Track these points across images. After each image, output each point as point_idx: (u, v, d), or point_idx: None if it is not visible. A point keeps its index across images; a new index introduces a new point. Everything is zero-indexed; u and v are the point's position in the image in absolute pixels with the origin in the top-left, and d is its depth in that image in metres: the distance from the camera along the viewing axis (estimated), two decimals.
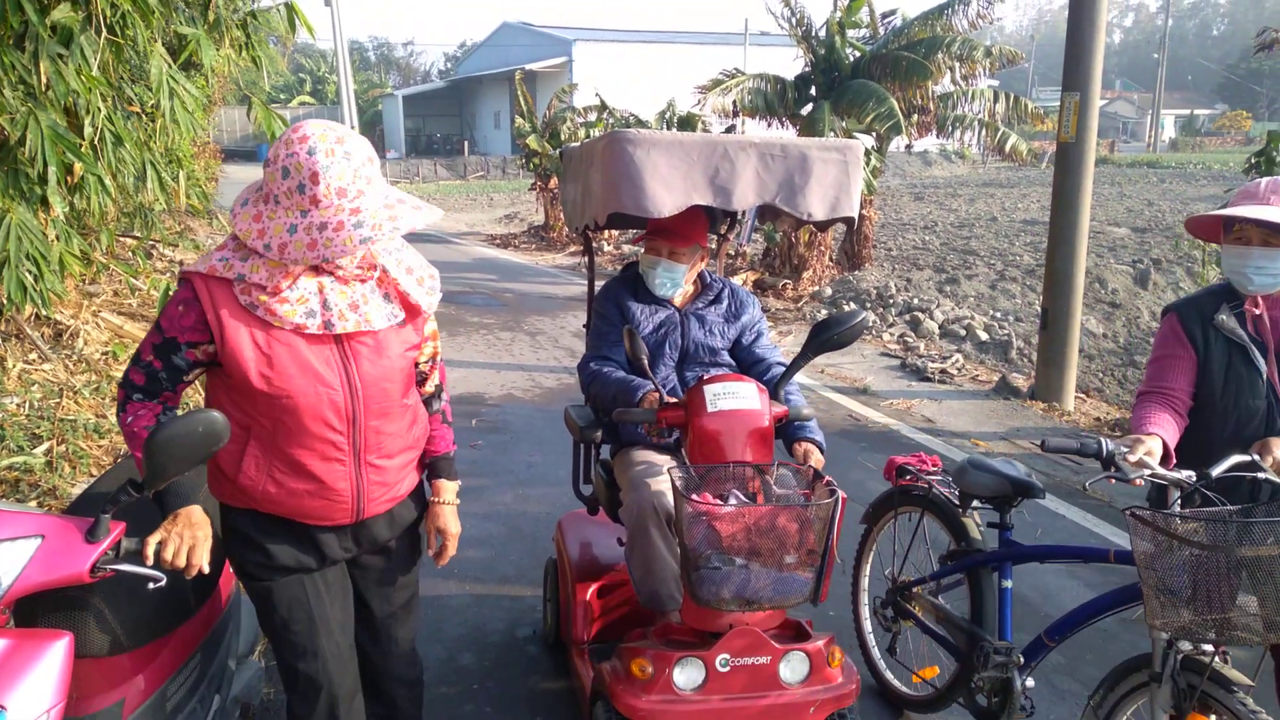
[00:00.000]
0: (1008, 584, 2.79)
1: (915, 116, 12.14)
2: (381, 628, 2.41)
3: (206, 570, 1.97)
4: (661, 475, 2.82)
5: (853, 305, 11.09)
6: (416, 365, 2.27)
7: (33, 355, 5.77)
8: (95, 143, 4.66)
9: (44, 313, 5.93)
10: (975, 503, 2.93)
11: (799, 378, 3.05)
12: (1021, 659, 2.74)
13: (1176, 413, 2.62)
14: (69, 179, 4.67)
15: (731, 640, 2.47)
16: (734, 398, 2.65)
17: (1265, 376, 2.57)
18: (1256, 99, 65.61)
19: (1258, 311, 2.59)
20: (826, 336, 2.75)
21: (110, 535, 1.86)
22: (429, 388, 2.37)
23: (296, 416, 1.99)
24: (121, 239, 7.68)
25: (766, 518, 2.37)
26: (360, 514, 2.16)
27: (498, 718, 3.13)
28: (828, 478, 2.46)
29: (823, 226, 3.11)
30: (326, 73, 52.19)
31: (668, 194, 2.72)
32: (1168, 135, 59.78)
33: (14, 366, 5.50)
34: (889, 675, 3.40)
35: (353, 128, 19.87)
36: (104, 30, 4.52)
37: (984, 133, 12.54)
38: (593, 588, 3.19)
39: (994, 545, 2.91)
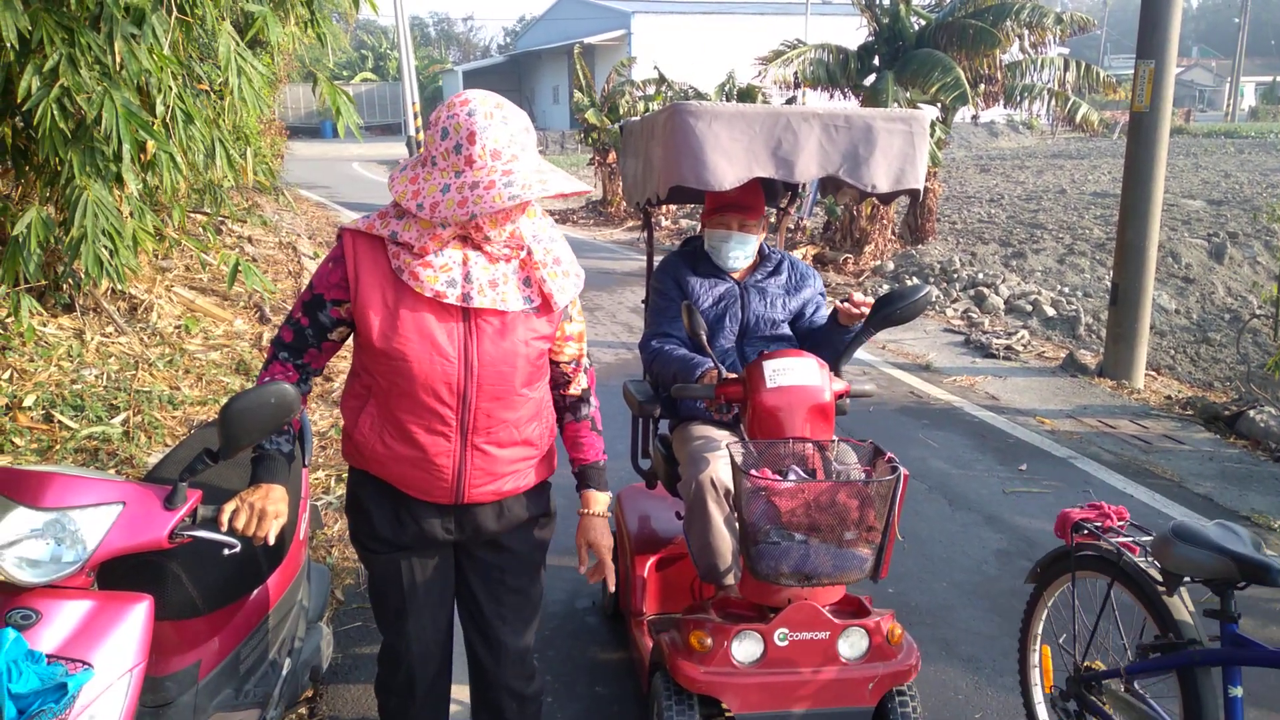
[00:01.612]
0: (1237, 692, 2.19)
1: (982, 86, 11.84)
2: (490, 627, 2.32)
3: (271, 543, 2.02)
4: (720, 450, 2.82)
5: (915, 280, 10.92)
6: (555, 364, 2.25)
7: (109, 329, 5.95)
8: (167, 121, 4.78)
9: (119, 287, 6.12)
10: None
11: (859, 353, 2.98)
12: None
13: None
14: (142, 156, 4.79)
15: (790, 615, 2.47)
16: (794, 373, 2.63)
17: None
18: None
19: None
20: (889, 311, 2.71)
21: (188, 503, 1.93)
22: (574, 390, 2.32)
23: (410, 382, 2.01)
24: (192, 215, 7.87)
25: (826, 493, 2.37)
26: (461, 496, 2.13)
27: (558, 685, 3.18)
28: (890, 454, 2.44)
29: (886, 199, 3.05)
30: (388, 49, 52.66)
31: (729, 166, 2.70)
32: (1247, 103, 57.49)
33: (92, 339, 5.69)
34: None
35: (413, 103, 19.94)
36: (174, 10, 4.62)
37: (1053, 102, 12.20)
38: (651, 560, 3.21)
39: (1203, 629, 2.35)
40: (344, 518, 4.37)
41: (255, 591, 2.53)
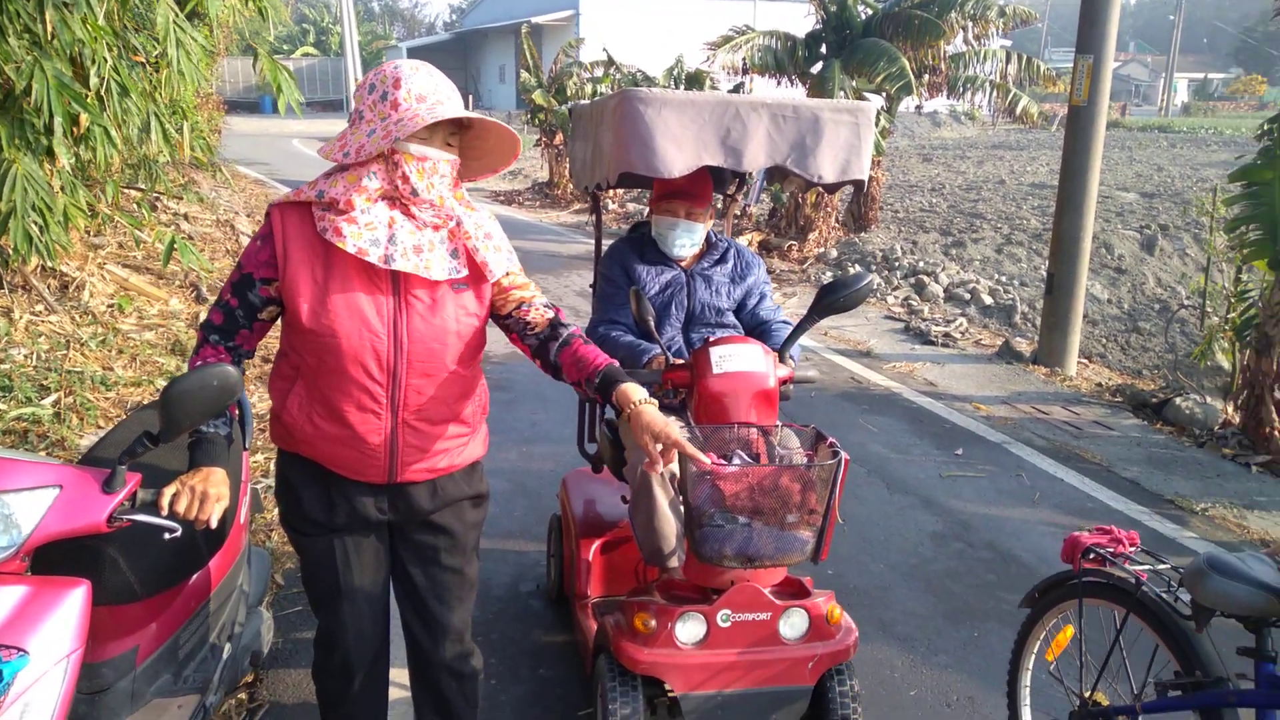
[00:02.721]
0: None
1: (926, 77, 12.01)
2: (427, 607, 2.31)
3: (214, 526, 1.99)
4: None
5: (858, 268, 11.06)
6: (514, 314, 2.20)
7: (39, 307, 5.78)
8: (101, 93, 4.64)
9: (49, 264, 5.94)
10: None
11: (802, 339, 3.00)
12: None
13: None
14: (75, 130, 4.65)
15: (733, 596, 2.51)
16: (739, 359, 2.67)
17: None
18: (1273, 63, 64.70)
19: None
20: (833, 299, 2.76)
21: (127, 486, 1.89)
22: (541, 324, 2.21)
23: (338, 358, 1.99)
24: (126, 191, 7.66)
25: (770, 477, 2.41)
26: (394, 475, 2.12)
27: (502, 668, 3.19)
28: (831, 439, 2.48)
29: (832, 189, 3.10)
30: (330, 23, 51.57)
31: (679, 154, 2.72)
32: (1180, 99, 59.07)
33: (21, 318, 5.52)
34: None
35: (355, 80, 19.65)
36: None
37: (995, 94, 12.42)
38: (596, 544, 3.23)
39: (1230, 668, 2.18)
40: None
41: (195, 576, 2.49)
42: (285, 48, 49.76)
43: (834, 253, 11.86)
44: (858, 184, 2.94)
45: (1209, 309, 9.63)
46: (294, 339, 2.06)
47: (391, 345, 2.02)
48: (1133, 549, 2.50)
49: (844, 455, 2.43)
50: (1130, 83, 65.88)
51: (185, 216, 9.20)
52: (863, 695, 2.81)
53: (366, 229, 1.95)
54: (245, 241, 9.50)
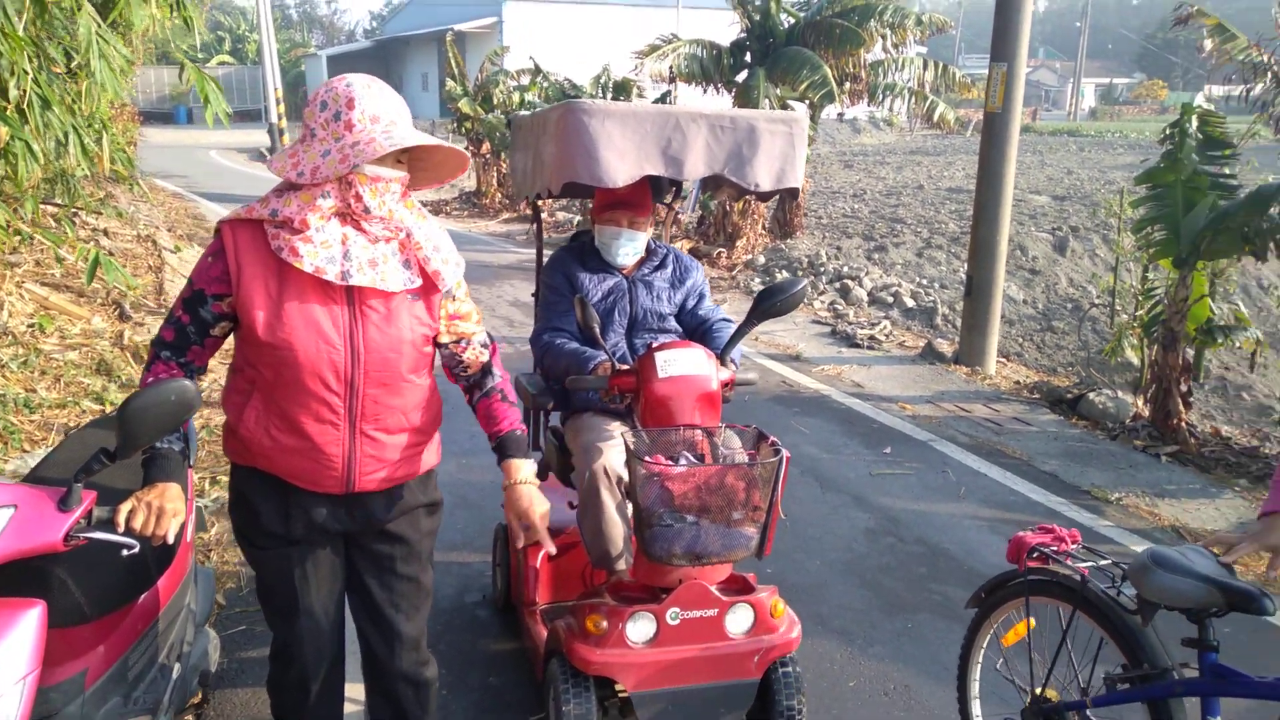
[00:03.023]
0: None
1: (848, 84, 12.30)
2: (383, 616, 2.34)
3: (171, 541, 2.00)
4: (613, 440, 2.92)
5: (785, 273, 11.28)
6: (452, 345, 2.27)
7: None
8: (22, 106, 4.53)
9: None
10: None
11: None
12: None
13: None
14: None
15: (681, 594, 2.59)
16: (683, 363, 2.75)
17: None
18: (1172, 68, 67.62)
19: None
20: (770, 304, 2.86)
21: (83, 504, 1.89)
22: (473, 369, 2.33)
23: (295, 371, 2.02)
24: (43, 207, 7.44)
25: (715, 477, 2.50)
26: (352, 485, 2.15)
27: (451, 678, 3.22)
28: (772, 438, 2.58)
29: (765, 197, 3.21)
30: (246, 31, 50.43)
31: (621, 164, 2.80)
32: (1088, 104, 61.35)
33: None
34: None
35: (275, 89, 19.26)
36: None
37: (913, 101, 12.79)
38: (543, 551, 3.27)
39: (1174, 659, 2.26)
40: (222, 520, 4.29)
41: (144, 596, 2.47)
42: (200, 56, 48.54)
43: (762, 259, 12.07)
44: (793, 193, 3.06)
45: (1118, 307, 10.09)
46: (249, 353, 2.07)
47: (348, 356, 2.05)
48: (1074, 546, 2.55)
49: (785, 453, 2.53)
50: (1040, 88, 68.18)
51: (105, 232, 8.97)
52: (806, 687, 2.91)
53: (322, 247, 1.99)
54: (168, 257, 9.30)
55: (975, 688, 2.81)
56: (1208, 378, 10.03)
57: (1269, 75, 5.98)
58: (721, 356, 2.96)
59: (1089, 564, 2.45)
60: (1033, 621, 2.57)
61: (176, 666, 2.63)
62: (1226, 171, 5.99)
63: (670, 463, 2.54)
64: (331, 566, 2.29)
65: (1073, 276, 12.55)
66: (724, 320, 3.28)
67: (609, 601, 2.64)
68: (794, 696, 2.72)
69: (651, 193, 3.32)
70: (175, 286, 8.50)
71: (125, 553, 1.94)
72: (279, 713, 2.43)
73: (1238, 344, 7.18)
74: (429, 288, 2.16)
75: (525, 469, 2.29)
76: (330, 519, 2.21)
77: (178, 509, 1.99)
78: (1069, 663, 2.48)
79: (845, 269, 11.29)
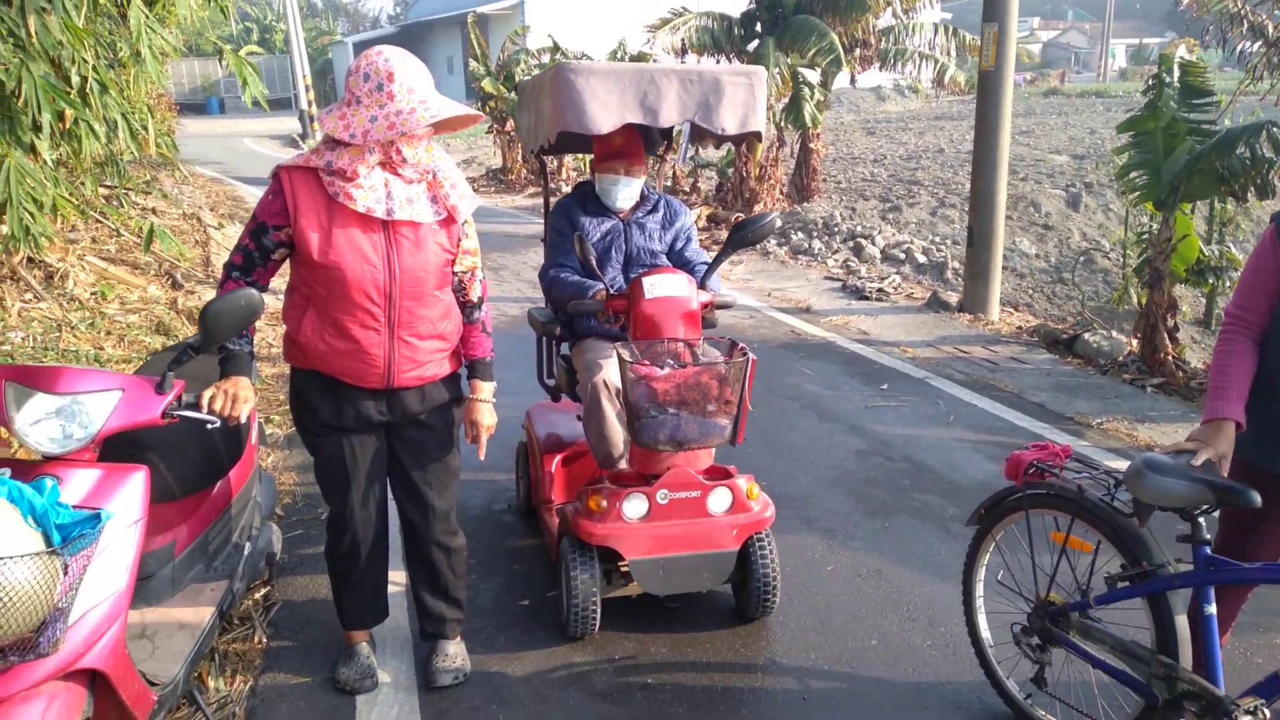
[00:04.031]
0: (1211, 609, 2.26)
1: (857, 50, 12.59)
2: (419, 492, 2.85)
3: (243, 420, 2.50)
4: (612, 358, 3.37)
5: (801, 235, 11.64)
6: (454, 273, 2.75)
7: (28, 295, 6.17)
8: (85, 90, 5.04)
9: (37, 255, 6.33)
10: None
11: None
12: (1265, 714, 2.21)
13: (1258, 344, 2.45)
14: (61, 125, 5.05)
15: (669, 479, 3.05)
16: (667, 286, 3.20)
17: None
18: (1203, 27, 66.32)
19: None
20: (742, 235, 3.29)
21: (174, 389, 2.38)
22: (472, 296, 2.82)
23: (345, 287, 2.52)
24: (97, 187, 8.01)
25: (692, 376, 2.95)
26: (391, 381, 2.65)
27: (481, 567, 3.70)
28: (742, 344, 3.03)
29: (736, 141, 3.63)
30: (273, 21, 51.15)
31: (605, 114, 3.25)
32: (1119, 65, 60.42)
33: (13, 305, 5.91)
34: (1039, 712, 2.79)
35: (304, 76, 19.82)
36: None
37: (924, 64, 13.03)
38: (558, 458, 3.76)
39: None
40: (276, 450, 4.82)
41: (219, 484, 2.98)
42: (230, 46, 49.30)
43: (779, 222, 12.42)
44: (757, 136, 3.50)
45: (1128, 256, 10.33)
46: (305, 274, 2.57)
47: (387, 275, 2.55)
48: (1068, 460, 2.68)
49: (751, 356, 2.97)
50: (1070, 50, 67.23)
51: (154, 211, 9.55)
52: (780, 561, 3.36)
53: (370, 191, 2.48)
54: (213, 233, 9.88)
55: (980, 601, 2.95)
56: (1219, 323, 10.28)
57: (1245, 25, 6.25)
58: (702, 282, 3.40)
59: (1084, 476, 2.59)
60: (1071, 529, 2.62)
61: (247, 545, 3.14)
62: (1205, 118, 6.28)
63: (654, 367, 3.00)
64: (376, 451, 2.79)
65: (1085, 230, 12.77)
66: (705, 263, 3.72)
67: (609, 486, 3.11)
68: (768, 565, 3.18)
69: (644, 144, 3.76)
70: (220, 258, 9.06)
71: (209, 426, 2.43)
72: (335, 578, 2.94)
73: (1228, 284, 7.49)
74: (449, 219, 2.66)
75: (486, 389, 2.89)
76: (374, 411, 2.71)
77: (248, 396, 2.49)
78: (1071, 569, 2.60)
79: (859, 229, 11.62)
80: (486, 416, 2.89)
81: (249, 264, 2.59)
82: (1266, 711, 2.20)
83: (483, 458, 2.91)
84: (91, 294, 6.62)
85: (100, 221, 7.87)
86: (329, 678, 2.98)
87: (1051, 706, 2.75)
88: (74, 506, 2.18)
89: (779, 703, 2.93)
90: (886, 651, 3.18)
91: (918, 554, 3.84)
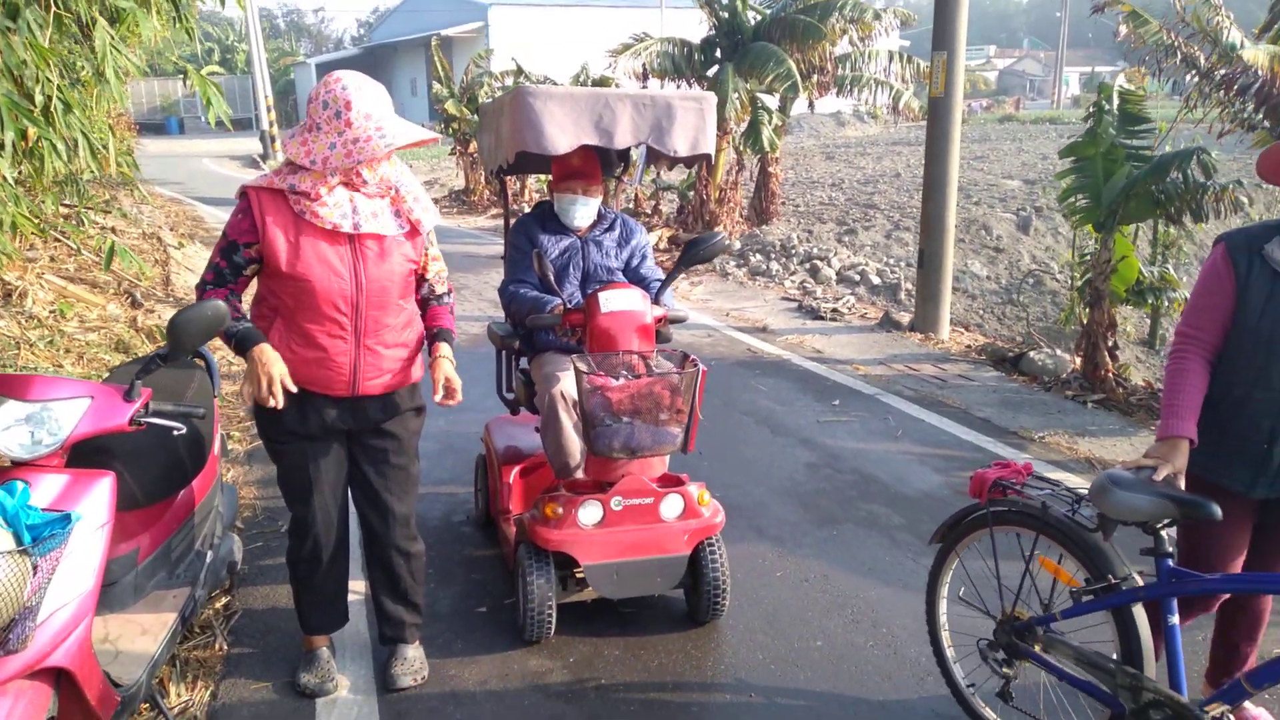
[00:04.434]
0: (1174, 620, 2.32)
1: (814, 77, 12.87)
2: (380, 498, 2.94)
3: (294, 389, 2.63)
4: (569, 371, 3.49)
5: (760, 257, 11.85)
6: (422, 279, 2.89)
7: None
8: (49, 109, 5.09)
9: None
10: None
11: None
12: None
13: (1209, 363, 2.54)
14: (24, 143, 5.09)
15: (623, 486, 3.17)
16: (622, 300, 3.33)
17: None
18: (1141, 56, 68.08)
19: None
20: (694, 253, 3.44)
21: (142, 397, 2.46)
22: (439, 290, 2.97)
23: (313, 298, 2.63)
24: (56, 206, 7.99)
25: (646, 386, 3.08)
26: (356, 389, 2.75)
27: (440, 576, 3.79)
28: (693, 356, 3.16)
29: (688, 163, 3.79)
30: (235, 41, 51.00)
31: (562, 135, 3.39)
32: (1072, 92, 61.87)
33: None
34: None
35: (266, 97, 19.87)
36: (50, 5, 4.94)
37: (879, 91, 13.35)
38: (516, 469, 3.86)
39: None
40: (235, 465, 4.87)
41: (182, 492, 3.05)
42: (190, 66, 48.99)
43: (738, 244, 12.64)
44: (707, 158, 3.66)
45: (1076, 277, 10.66)
46: (274, 285, 2.68)
47: (353, 285, 2.66)
48: (1029, 477, 2.74)
49: (702, 367, 3.11)
50: (1025, 78, 68.71)
51: (113, 230, 9.53)
52: (731, 568, 3.49)
53: (335, 208, 2.61)
54: (173, 253, 9.88)
55: (944, 618, 2.98)
56: (1163, 344, 10.63)
57: (1178, 55, 6.56)
58: (656, 297, 3.54)
59: (1045, 493, 2.64)
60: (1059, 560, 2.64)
61: (209, 553, 3.20)
62: (1143, 144, 6.57)
63: (609, 378, 3.12)
64: (338, 457, 2.89)
65: (1035, 253, 13.14)
66: (659, 280, 3.86)
67: (565, 494, 3.23)
68: (718, 569, 3.30)
69: (601, 166, 3.91)
70: (180, 278, 9.07)
71: (175, 433, 2.52)
72: (296, 581, 3.01)
73: (1168, 303, 7.79)
74: (413, 231, 2.79)
75: (446, 348, 2.95)
76: (337, 419, 2.81)
77: (275, 359, 2.60)
78: (1033, 584, 2.64)
79: (815, 250, 11.86)
80: (449, 369, 2.91)
81: (220, 280, 2.69)
82: (1232, 718, 2.26)
83: (458, 401, 2.90)
84: (50, 312, 6.61)
85: (60, 240, 7.86)
86: (289, 682, 3.05)
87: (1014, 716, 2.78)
88: (43, 510, 2.26)
89: (727, 700, 3.04)
90: (831, 651, 3.31)
91: (863, 560, 3.99)
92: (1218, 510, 2.21)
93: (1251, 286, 2.43)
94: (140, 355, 6.38)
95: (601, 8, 37.82)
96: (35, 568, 2.08)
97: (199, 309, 2.43)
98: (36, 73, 4.95)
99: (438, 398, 2.89)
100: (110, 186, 11.23)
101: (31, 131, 5.00)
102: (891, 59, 13.43)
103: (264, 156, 25.12)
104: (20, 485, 2.17)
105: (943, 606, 2.98)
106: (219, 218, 15.65)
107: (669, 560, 3.23)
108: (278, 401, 2.58)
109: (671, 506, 3.23)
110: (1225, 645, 2.80)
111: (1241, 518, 2.54)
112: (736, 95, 11.68)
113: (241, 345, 2.63)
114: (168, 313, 7.63)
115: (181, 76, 7.03)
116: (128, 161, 8.87)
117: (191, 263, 10.18)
